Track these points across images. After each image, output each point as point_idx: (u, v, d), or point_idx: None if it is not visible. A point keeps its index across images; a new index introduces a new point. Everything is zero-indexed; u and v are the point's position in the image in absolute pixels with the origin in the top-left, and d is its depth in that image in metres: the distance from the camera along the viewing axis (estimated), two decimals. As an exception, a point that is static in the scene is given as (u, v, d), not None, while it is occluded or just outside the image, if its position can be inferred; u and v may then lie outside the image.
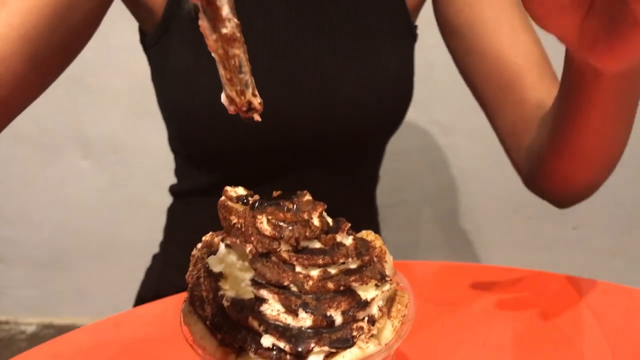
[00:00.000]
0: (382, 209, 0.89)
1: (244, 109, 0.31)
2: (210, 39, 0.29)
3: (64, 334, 0.58)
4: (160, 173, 1.60)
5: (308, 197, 0.39)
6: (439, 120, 1.32)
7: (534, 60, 0.68)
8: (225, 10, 0.28)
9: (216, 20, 0.29)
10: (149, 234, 1.22)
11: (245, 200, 0.38)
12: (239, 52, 0.30)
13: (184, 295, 0.40)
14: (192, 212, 0.81)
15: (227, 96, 0.31)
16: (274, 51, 0.68)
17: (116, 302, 1.30)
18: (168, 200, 0.87)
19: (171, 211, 0.86)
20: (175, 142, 0.80)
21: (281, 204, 0.37)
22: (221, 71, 0.30)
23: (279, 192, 0.39)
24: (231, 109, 0.32)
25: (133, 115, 1.57)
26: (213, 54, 0.30)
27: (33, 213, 1.70)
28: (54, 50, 0.59)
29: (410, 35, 0.77)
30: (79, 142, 1.61)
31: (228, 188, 0.40)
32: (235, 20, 0.29)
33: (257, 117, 0.32)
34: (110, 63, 1.47)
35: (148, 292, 0.83)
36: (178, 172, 0.84)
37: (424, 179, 1.57)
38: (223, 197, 0.38)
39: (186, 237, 0.80)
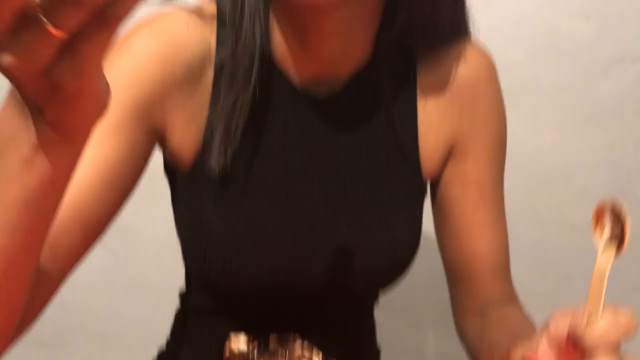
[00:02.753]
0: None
1: None
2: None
3: None
4: (166, 256, 1.63)
5: (299, 341, 0.43)
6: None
7: (498, 263, 0.76)
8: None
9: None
10: (152, 318, 1.24)
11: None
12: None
13: None
14: (197, 331, 0.81)
15: None
16: (286, 212, 0.70)
17: (116, 387, 1.30)
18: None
19: (178, 318, 0.87)
20: (187, 265, 0.82)
21: (277, 362, 0.41)
22: None
23: (274, 337, 0.43)
24: None
25: (139, 198, 1.60)
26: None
27: (37, 292, 1.71)
28: (103, 216, 0.63)
29: (422, 195, 0.78)
30: (86, 223, 1.64)
31: (232, 336, 0.43)
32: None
33: None
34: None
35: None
36: (187, 280, 0.86)
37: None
38: (228, 354, 0.42)
39: (192, 348, 0.82)
